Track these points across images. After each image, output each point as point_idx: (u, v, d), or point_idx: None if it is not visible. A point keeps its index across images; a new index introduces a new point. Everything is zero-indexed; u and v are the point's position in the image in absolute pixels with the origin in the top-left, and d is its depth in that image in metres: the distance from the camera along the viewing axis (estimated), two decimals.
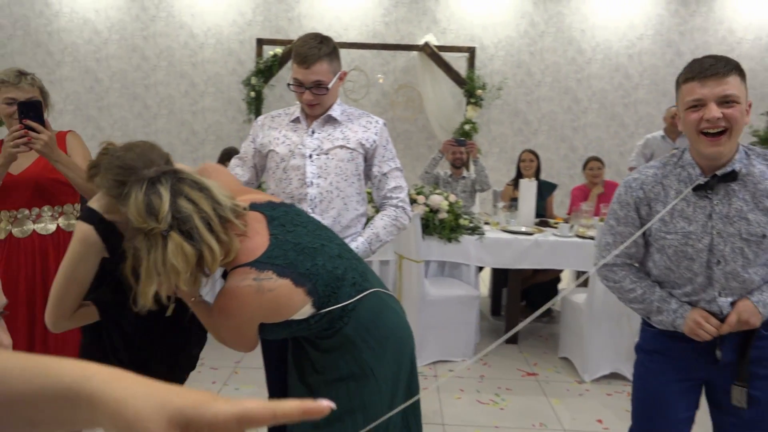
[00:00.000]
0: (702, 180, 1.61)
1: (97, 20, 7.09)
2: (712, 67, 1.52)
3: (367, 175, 2.14)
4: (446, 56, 6.64)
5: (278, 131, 2.11)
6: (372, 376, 1.51)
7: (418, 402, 1.68)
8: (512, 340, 4.26)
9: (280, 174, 2.07)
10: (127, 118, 7.26)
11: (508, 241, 4.01)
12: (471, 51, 6.74)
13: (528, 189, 4.41)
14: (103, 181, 1.53)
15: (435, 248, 3.95)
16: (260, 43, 6.75)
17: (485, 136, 7.12)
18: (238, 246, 1.40)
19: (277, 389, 2.09)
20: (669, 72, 7.01)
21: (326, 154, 2.03)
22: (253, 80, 6.61)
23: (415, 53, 6.76)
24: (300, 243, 1.46)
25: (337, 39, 6.89)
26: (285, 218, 1.52)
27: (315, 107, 2.04)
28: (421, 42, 6.65)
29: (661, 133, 5.14)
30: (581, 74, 7.15)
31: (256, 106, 6.69)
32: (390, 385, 1.55)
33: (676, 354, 1.73)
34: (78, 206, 2.43)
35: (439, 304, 3.77)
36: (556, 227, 4.29)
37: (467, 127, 6.60)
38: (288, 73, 6.99)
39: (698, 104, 1.54)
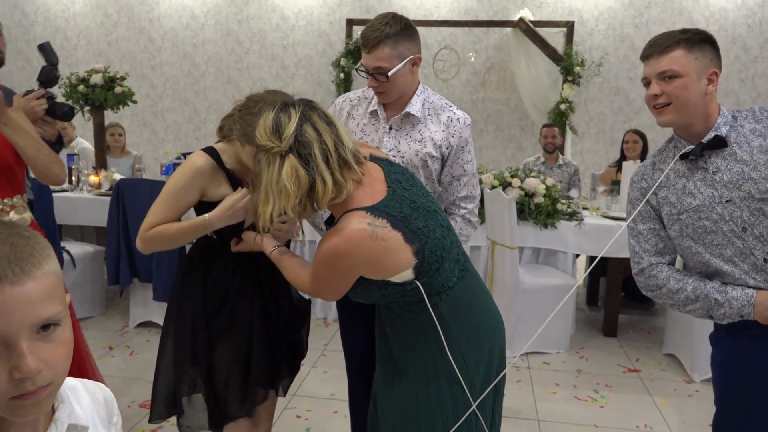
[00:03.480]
0: (689, 149, 1.59)
1: (194, 5, 7.31)
2: (653, 46, 1.57)
3: (444, 179, 1.99)
4: (542, 32, 6.31)
5: (356, 122, 1.98)
6: (462, 361, 1.44)
7: (502, 395, 1.60)
8: (611, 333, 4.01)
9: None
10: (222, 101, 7.46)
11: (609, 227, 3.76)
12: (569, 25, 6.37)
13: (632, 172, 4.10)
14: (236, 122, 1.59)
15: (530, 234, 3.77)
16: (350, 23, 6.71)
17: (582, 116, 6.75)
18: (351, 189, 1.37)
19: (360, 365, 2.03)
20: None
21: (402, 156, 1.89)
22: (343, 61, 6.59)
23: (508, 30, 6.47)
24: (415, 201, 1.40)
25: (427, 17, 6.77)
26: (402, 176, 1.46)
27: (382, 95, 1.87)
28: (516, 17, 6.35)
29: None
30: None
31: (345, 87, 6.68)
32: (481, 375, 1.47)
33: (756, 339, 1.58)
34: (26, 197, 2.16)
35: (534, 293, 3.58)
36: None
37: (563, 106, 6.27)
38: None
39: (646, 82, 1.59)
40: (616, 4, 6.62)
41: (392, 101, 1.89)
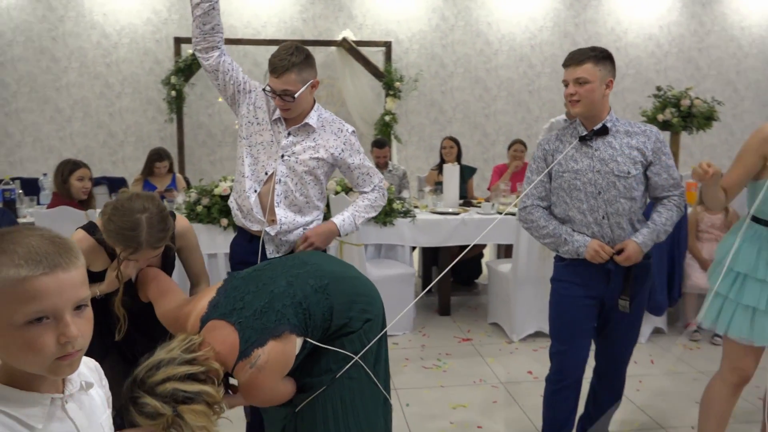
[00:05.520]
0: (584, 132, 2.25)
1: (0, 22, 6.80)
2: (571, 59, 2.21)
3: (345, 174, 2.39)
4: (364, 51, 6.93)
5: (265, 116, 2.27)
6: (373, 320, 1.83)
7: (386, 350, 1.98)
8: (446, 313, 4.64)
9: (255, 152, 2.28)
10: (39, 123, 7.02)
11: (437, 221, 4.36)
12: (387, 45, 7.06)
13: (451, 173, 4.78)
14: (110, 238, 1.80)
15: (372, 232, 4.24)
16: (178, 41, 6.74)
17: (404, 126, 7.47)
18: (218, 365, 1.59)
19: None
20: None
21: (296, 158, 2.24)
22: (173, 79, 6.60)
23: (333, 49, 6.99)
24: (255, 309, 1.67)
25: (255, 36, 7.05)
26: (232, 302, 1.71)
27: (286, 111, 2.21)
28: (339, 37, 6.89)
29: (563, 116, 5.67)
30: (490, 65, 7.65)
31: (177, 105, 6.69)
32: (379, 327, 1.88)
33: (581, 279, 2.28)
34: None
35: (380, 283, 4.01)
36: (479, 206, 4.69)
37: (387, 118, 6.93)
38: None
39: (565, 83, 2.23)
40: (426, 27, 7.47)
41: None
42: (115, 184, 5.53)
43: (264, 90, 2.21)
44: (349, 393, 1.81)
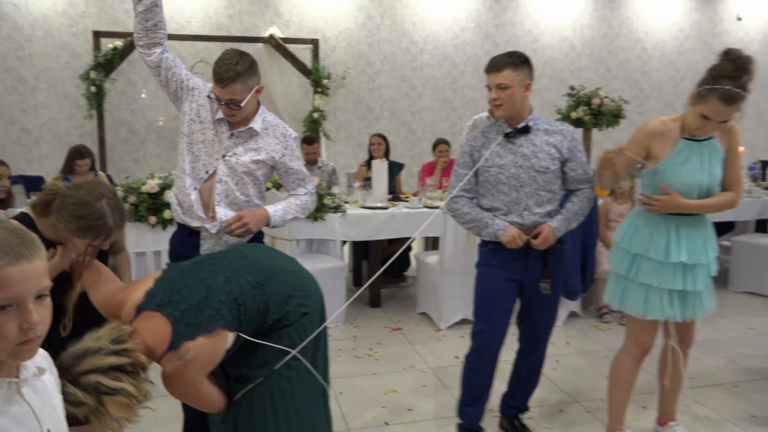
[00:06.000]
0: (508, 130, 2.45)
1: None
2: (492, 66, 2.39)
3: (282, 177, 2.44)
4: (291, 48, 6.96)
5: (208, 115, 2.28)
6: (310, 313, 1.89)
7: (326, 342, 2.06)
8: (376, 305, 4.78)
9: (196, 150, 2.30)
10: None
11: (367, 216, 4.48)
12: (314, 43, 7.12)
13: (380, 169, 4.92)
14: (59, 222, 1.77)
15: (304, 227, 4.32)
16: (97, 35, 6.54)
17: (333, 123, 7.55)
18: (145, 359, 1.62)
19: None
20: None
21: (237, 159, 2.28)
22: (93, 74, 6.40)
23: (260, 45, 6.97)
24: (191, 303, 1.70)
25: (179, 31, 6.93)
26: (169, 294, 1.73)
27: (232, 117, 2.24)
28: (266, 34, 6.89)
29: (486, 113, 5.93)
30: (415, 63, 7.86)
31: (97, 101, 6.49)
32: (318, 319, 1.95)
33: (502, 263, 2.49)
34: None
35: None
36: (407, 201, 4.86)
37: (316, 115, 6.99)
38: (129, 66, 6.85)
39: (488, 88, 2.42)
40: (352, 25, 7.57)
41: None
42: (33, 183, 5.30)
43: (209, 97, 2.22)
44: (288, 384, 1.86)
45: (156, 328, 1.67)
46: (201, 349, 1.67)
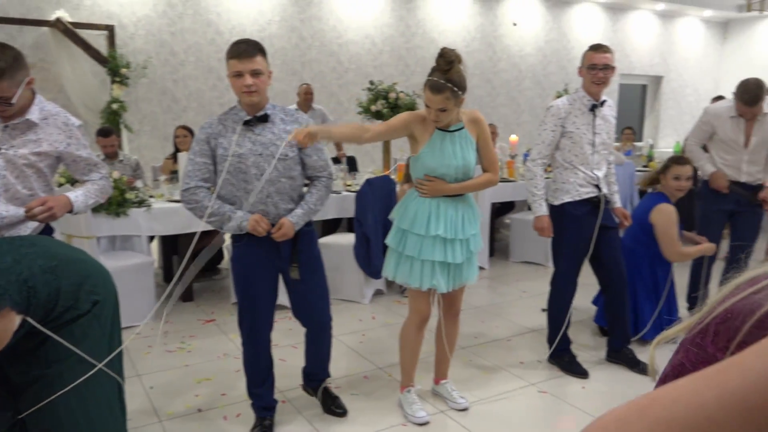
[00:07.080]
0: (247, 118, 2.47)
1: None
2: (244, 52, 2.36)
3: (70, 167, 2.36)
4: (83, 33, 6.48)
5: None
6: (102, 301, 1.89)
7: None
8: (189, 299, 4.73)
9: None
10: None
11: (174, 209, 4.41)
12: (110, 29, 6.70)
13: (186, 162, 4.84)
14: None
15: (104, 223, 4.13)
16: None
17: (135, 115, 7.18)
18: None
19: None
20: (295, 54, 8.14)
21: (15, 151, 2.18)
22: None
23: (46, 29, 6.39)
24: None
25: None
26: None
27: (5, 112, 2.13)
28: (52, 17, 6.33)
29: (294, 106, 6.12)
30: (221, 54, 7.73)
31: None
32: (109, 316, 1.95)
33: (256, 257, 2.57)
34: None
35: (116, 275, 3.95)
36: None
37: (115, 106, 6.61)
38: None
39: (238, 75, 2.37)
40: (152, 12, 7.25)
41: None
42: None
43: None
44: (78, 379, 1.84)
45: None
46: None
